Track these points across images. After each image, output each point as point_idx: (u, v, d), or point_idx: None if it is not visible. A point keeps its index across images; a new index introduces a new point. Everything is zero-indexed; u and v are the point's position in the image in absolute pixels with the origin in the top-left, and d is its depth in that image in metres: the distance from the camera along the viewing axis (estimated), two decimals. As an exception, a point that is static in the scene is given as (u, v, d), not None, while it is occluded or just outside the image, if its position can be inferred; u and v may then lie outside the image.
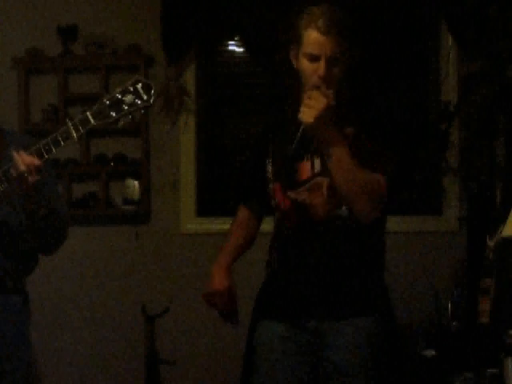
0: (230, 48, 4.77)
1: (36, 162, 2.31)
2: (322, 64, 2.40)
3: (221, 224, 4.56)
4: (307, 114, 2.35)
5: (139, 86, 2.30)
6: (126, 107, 2.30)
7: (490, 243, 3.67)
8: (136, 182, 4.57)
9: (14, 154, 2.31)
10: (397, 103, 4.58)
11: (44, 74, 4.66)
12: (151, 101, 2.31)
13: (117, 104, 2.30)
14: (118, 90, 2.31)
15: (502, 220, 3.47)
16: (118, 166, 4.59)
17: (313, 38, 2.40)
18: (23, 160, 2.30)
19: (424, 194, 4.63)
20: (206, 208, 4.71)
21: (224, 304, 2.59)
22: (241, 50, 4.76)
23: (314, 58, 2.41)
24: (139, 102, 2.31)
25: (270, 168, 2.55)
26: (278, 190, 2.53)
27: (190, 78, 4.65)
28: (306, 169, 2.48)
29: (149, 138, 4.60)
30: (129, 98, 2.30)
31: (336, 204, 2.45)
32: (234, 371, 3.82)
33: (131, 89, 2.30)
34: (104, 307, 4.61)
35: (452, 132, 4.46)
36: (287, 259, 2.52)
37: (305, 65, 2.44)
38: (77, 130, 2.30)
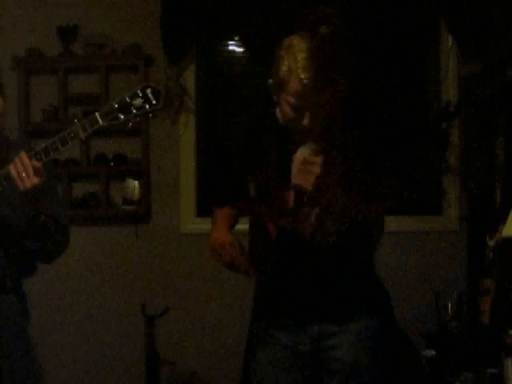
0: (230, 48, 4.77)
1: (34, 163, 2.33)
2: (307, 116, 2.28)
3: (221, 224, 4.57)
4: (303, 180, 2.25)
5: (148, 90, 2.34)
6: (134, 110, 2.34)
7: (490, 243, 3.68)
8: (136, 182, 4.57)
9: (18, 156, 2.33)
10: (397, 103, 4.58)
11: (44, 74, 4.66)
12: (159, 105, 2.35)
13: (125, 107, 2.33)
14: (128, 93, 2.35)
15: (502, 220, 3.47)
16: (118, 166, 4.59)
17: (296, 90, 2.25)
18: (21, 161, 2.32)
19: (424, 193, 4.63)
20: (206, 208, 4.70)
21: (232, 254, 2.40)
22: (241, 50, 4.76)
23: (297, 109, 2.29)
24: (147, 106, 2.34)
25: (252, 187, 2.48)
26: (264, 215, 2.47)
27: (189, 78, 4.65)
28: (291, 198, 2.38)
29: (149, 137, 4.60)
30: (138, 101, 2.33)
31: (324, 229, 2.42)
32: (234, 372, 3.83)
33: (140, 93, 2.34)
34: (104, 307, 4.61)
35: (452, 132, 4.46)
36: (282, 267, 2.51)
37: (287, 111, 2.32)
38: (84, 130, 2.33)
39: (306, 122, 2.29)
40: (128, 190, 4.58)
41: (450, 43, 4.52)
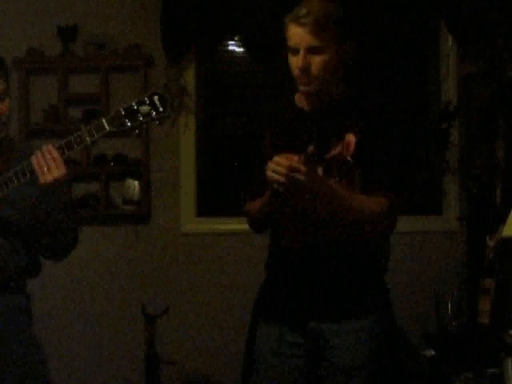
0: (230, 48, 4.77)
1: (57, 157, 2.34)
2: (300, 55, 2.41)
3: (221, 224, 4.58)
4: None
5: (156, 98, 2.36)
6: (141, 117, 2.35)
7: (490, 243, 3.67)
8: (136, 182, 4.57)
9: (42, 147, 2.36)
10: (397, 103, 4.58)
11: (44, 74, 4.66)
12: (166, 113, 2.37)
13: (132, 114, 2.35)
14: (135, 100, 2.36)
15: (502, 220, 3.47)
16: (118, 166, 4.59)
17: (291, 30, 2.43)
18: (44, 153, 2.34)
19: (424, 193, 4.63)
20: (206, 208, 4.71)
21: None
22: (241, 50, 4.76)
23: (294, 51, 2.43)
24: (154, 113, 2.36)
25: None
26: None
27: (189, 77, 4.65)
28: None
29: (149, 138, 4.60)
30: (144, 108, 2.35)
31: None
32: (234, 371, 3.83)
33: (147, 101, 2.35)
34: (104, 307, 4.61)
35: (452, 132, 4.46)
36: (286, 262, 2.52)
37: (290, 59, 2.46)
38: (91, 136, 2.34)
39: (299, 63, 2.41)
40: (128, 190, 4.58)
41: (450, 43, 4.53)
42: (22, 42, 4.60)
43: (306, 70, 2.42)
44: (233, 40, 4.74)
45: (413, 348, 4.03)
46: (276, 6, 4.40)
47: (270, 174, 2.30)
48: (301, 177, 2.25)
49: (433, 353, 3.74)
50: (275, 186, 2.29)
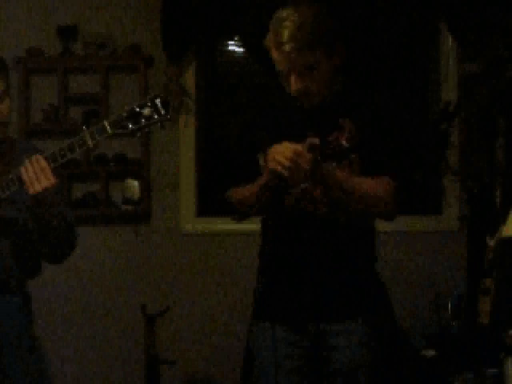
0: (230, 48, 4.77)
1: (45, 167, 2.34)
2: (292, 79, 2.39)
3: (221, 224, 4.57)
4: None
5: (158, 100, 2.37)
6: (143, 120, 2.35)
7: (490, 243, 3.67)
8: (136, 182, 4.57)
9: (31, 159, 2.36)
10: (397, 103, 4.58)
11: (44, 74, 4.66)
12: (168, 116, 2.38)
13: (134, 116, 2.35)
14: (137, 103, 2.36)
15: (502, 220, 3.47)
16: (118, 166, 4.59)
17: (277, 56, 2.39)
18: (33, 164, 2.35)
19: (424, 193, 4.63)
20: (206, 208, 4.71)
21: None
22: (241, 50, 4.76)
23: (286, 74, 2.41)
24: (156, 116, 2.36)
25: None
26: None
27: (189, 78, 4.65)
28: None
29: (149, 138, 4.60)
30: (147, 111, 2.35)
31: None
32: (234, 372, 3.83)
33: (149, 103, 2.36)
34: (104, 307, 4.61)
35: (452, 132, 4.46)
36: (283, 263, 2.51)
37: (282, 80, 2.45)
38: (93, 138, 2.34)
39: (293, 87, 2.39)
40: (128, 189, 4.58)
41: (450, 43, 4.53)
42: (22, 41, 4.60)
43: (305, 89, 2.41)
44: (233, 40, 4.74)
45: (413, 348, 4.03)
46: (276, 5, 4.41)
47: (273, 157, 2.27)
48: (305, 164, 2.24)
49: (433, 353, 3.75)
50: (279, 168, 2.25)
